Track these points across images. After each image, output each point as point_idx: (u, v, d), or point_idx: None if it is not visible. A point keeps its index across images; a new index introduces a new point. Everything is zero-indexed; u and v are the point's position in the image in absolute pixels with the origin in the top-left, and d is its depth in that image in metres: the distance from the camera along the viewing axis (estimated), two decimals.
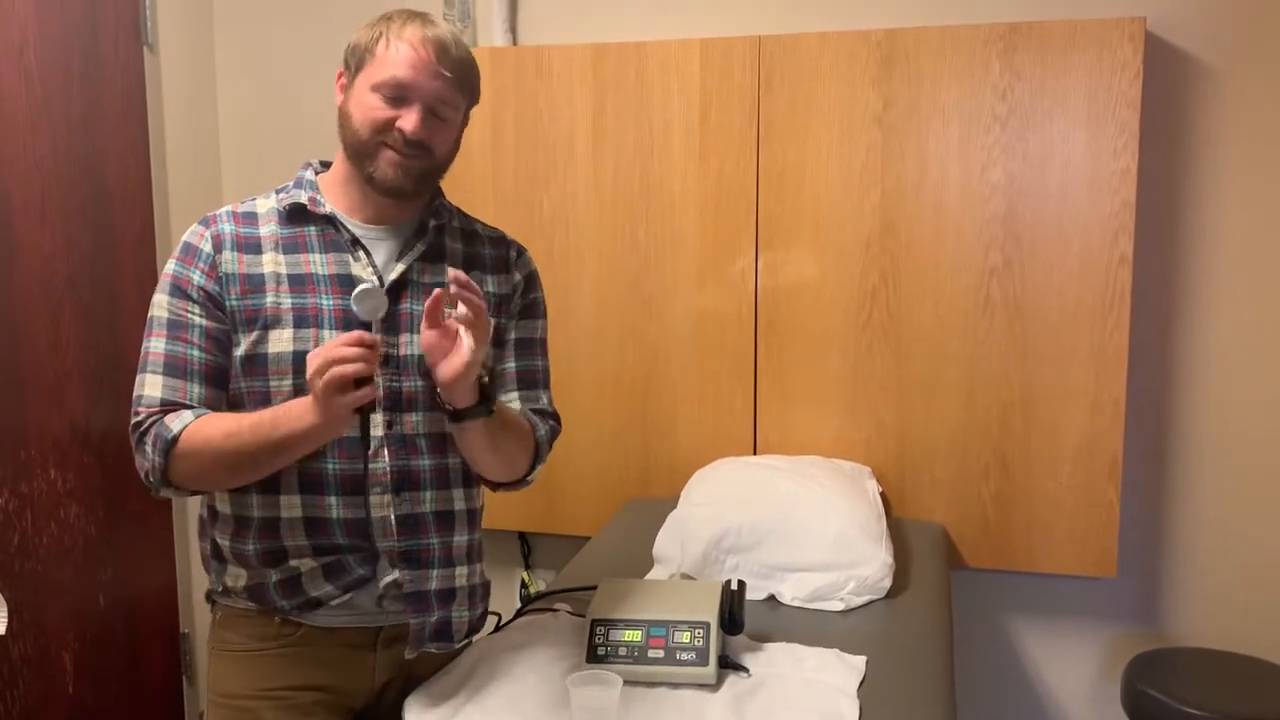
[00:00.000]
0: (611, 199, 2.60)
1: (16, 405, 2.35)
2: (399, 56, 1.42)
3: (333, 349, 1.29)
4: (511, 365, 1.62)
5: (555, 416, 1.67)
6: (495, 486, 1.63)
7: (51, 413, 2.44)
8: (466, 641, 1.61)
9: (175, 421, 1.40)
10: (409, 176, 1.46)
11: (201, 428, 1.39)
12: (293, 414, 1.36)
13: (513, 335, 1.63)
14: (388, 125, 1.43)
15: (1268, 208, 2.41)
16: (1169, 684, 2.21)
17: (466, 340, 1.34)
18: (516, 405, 1.62)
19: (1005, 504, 2.44)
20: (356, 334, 1.32)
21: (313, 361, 1.31)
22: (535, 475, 1.63)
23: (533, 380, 1.65)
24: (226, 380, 1.47)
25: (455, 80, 1.45)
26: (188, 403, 1.43)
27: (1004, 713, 2.70)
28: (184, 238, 1.50)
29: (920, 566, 2.12)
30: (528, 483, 1.64)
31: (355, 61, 1.47)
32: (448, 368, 1.36)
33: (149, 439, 1.41)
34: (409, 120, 1.42)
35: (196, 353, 1.44)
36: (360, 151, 1.46)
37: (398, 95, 1.43)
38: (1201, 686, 2.21)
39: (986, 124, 2.36)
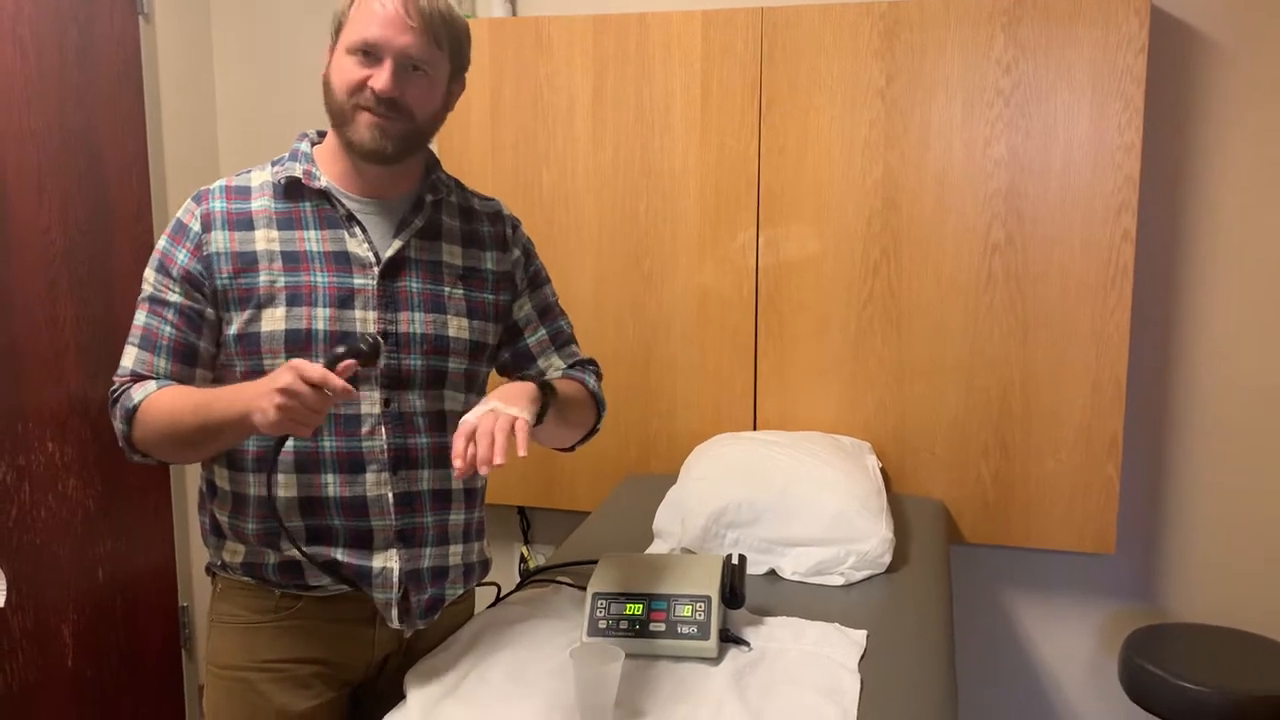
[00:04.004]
0: (612, 173, 2.58)
1: (14, 378, 2.34)
2: (368, 15, 1.40)
3: (300, 387, 1.24)
4: (543, 333, 1.67)
5: (593, 360, 1.75)
6: (570, 449, 1.68)
7: (49, 386, 2.43)
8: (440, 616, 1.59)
9: (139, 391, 1.44)
10: (387, 138, 1.42)
11: (159, 399, 1.42)
12: (232, 398, 1.33)
13: (529, 308, 1.66)
14: (361, 85, 1.40)
15: (1272, 184, 2.40)
16: (1166, 659, 2.22)
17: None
18: (559, 363, 1.67)
19: (1005, 480, 2.44)
20: (324, 377, 1.25)
21: (286, 375, 1.25)
22: (601, 422, 1.70)
23: (564, 339, 1.70)
24: (196, 357, 1.47)
25: (426, 31, 1.40)
26: (153, 375, 1.46)
27: (1003, 688, 2.71)
28: (177, 214, 1.50)
29: (920, 542, 2.12)
30: (596, 430, 1.70)
31: (335, 29, 1.45)
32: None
33: (118, 406, 1.46)
34: (380, 77, 1.39)
35: (169, 329, 1.46)
36: (339, 116, 1.44)
37: (369, 54, 1.40)
38: (1198, 662, 2.22)
39: (990, 98, 2.35)
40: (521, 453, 1.27)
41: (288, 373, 1.25)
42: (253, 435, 1.41)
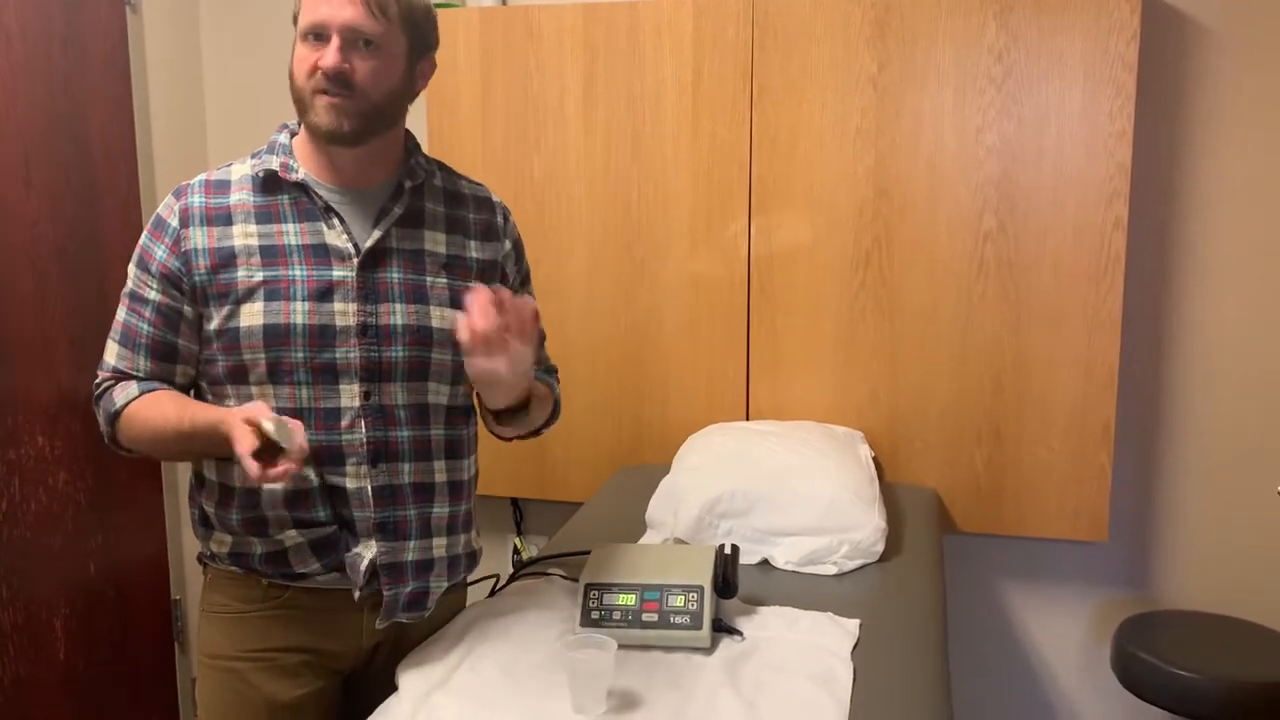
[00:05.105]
0: (603, 162, 2.57)
1: (3, 371, 2.33)
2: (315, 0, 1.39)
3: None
4: None
5: (555, 367, 1.79)
6: (509, 439, 1.67)
7: (39, 378, 2.42)
8: (433, 609, 1.59)
9: (121, 395, 1.46)
10: (345, 117, 1.40)
11: (141, 408, 1.44)
12: (212, 426, 1.35)
13: None
14: (314, 69, 1.39)
15: (1264, 170, 2.40)
16: (1158, 646, 2.23)
17: (516, 351, 1.35)
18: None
19: (997, 469, 2.44)
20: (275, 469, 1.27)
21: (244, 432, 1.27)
22: (549, 428, 1.72)
23: (541, 342, 1.73)
24: (175, 354, 1.48)
25: (370, 3, 1.38)
26: (135, 373, 1.48)
27: (995, 676, 2.72)
28: (158, 209, 1.50)
29: (913, 531, 2.12)
30: (539, 433, 1.70)
31: (294, 21, 1.44)
32: (482, 368, 1.35)
33: (101, 405, 1.49)
34: (326, 56, 1.38)
35: (146, 327, 1.47)
36: (300, 104, 1.43)
37: (319, 36, 1.39)
38: (1190, 649, 2.23)
39: (982, 86, 2.34)
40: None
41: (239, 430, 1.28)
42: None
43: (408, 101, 1.49)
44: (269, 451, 1.27)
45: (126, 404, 1.45)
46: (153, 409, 1.43)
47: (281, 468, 1.26)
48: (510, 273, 1.63)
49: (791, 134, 2.45)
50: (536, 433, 1.69)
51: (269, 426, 1.26)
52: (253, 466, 1.25)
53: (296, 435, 1.28)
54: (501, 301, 1.33)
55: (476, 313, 1.32)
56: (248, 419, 1.28)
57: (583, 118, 2.57)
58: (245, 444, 1.26)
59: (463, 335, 1.33)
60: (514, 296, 1.35)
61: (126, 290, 1.49)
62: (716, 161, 2.50)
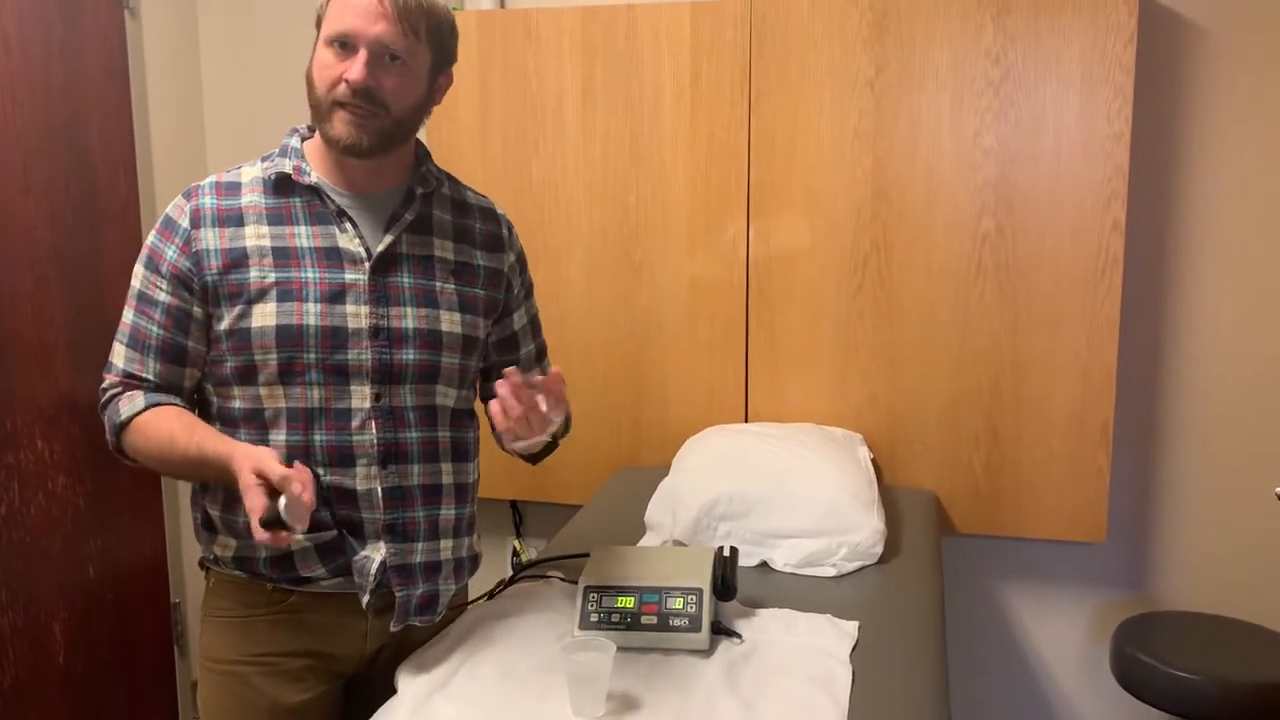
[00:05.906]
0: (601, 164, 2.57)
1: (2, 375, 2.33)
2: (343, 6, 1.39)
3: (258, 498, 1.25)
4: (533, 346, 1.73)
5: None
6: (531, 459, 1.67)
7: (38, 383, 2.42)
8: (444, 613, 1.60)
9: (127, 407, 1.44)
10: (364, 132, 1.41)
11: (148, 423, 1.43)
12: (222, 457, 1.34)
13: (525, 320, 1.70)
14: (337, 80, 1.39)
15: (1262, 172, 2.40)
16: (1157, 648, 2.23)
17: (552, 424, 1.41)
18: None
19: (996, 470, 2.45)
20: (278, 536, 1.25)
21: (271, 471, 1.26)
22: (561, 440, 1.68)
23: (544, 352, 1.76)
24: (184, 357, 1.47)
25: (402, 20, 1.38)
26: (145, 376, 1.46)
27: (994, 677, 2.72)
28: (167, 210, 1.49)
29: (911, 533, 2.13)
30: (555, 447, 1.67)
31: (316, 23, 1.44)
32: (519, 434, 1.39)
33: (108, 413, 1.47)
34: (353, 69, 1.38)
35: (156, 329, 1.46)
36: (317, 111, 1.43)
37: (345, 45, 1.39)
38: (1189, 650, 2.23)
39: (979, 88, 2.34)
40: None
41: (250, 479, 1.27)
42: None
43: (425, 115, 1.50)
44: (277, 522, 1.25)
45: (132, 417, 1.44)
46: (159, 426, 1.42)
47: (286, 537, 1.24)
48: (515, 284, 1.65)
49: (789, 136, 2.46)
50: (551, 449, 1.67)
51: (281, 509, 1.23)
52: (262, 536, 1.24)
53: (301, 511, 1.25)
54: (531, 384, 1.36)
55: (509, 404, 1.35)
56: (257, 470, 1.26)
57: (581, 121, 2.57)
58: (256, 507, 1.24)
59: (497, 423, 1.37)
60: (544, 377, 1.38)
61: (134, 291, 1.47)
62: (715, 164, 2.51)
